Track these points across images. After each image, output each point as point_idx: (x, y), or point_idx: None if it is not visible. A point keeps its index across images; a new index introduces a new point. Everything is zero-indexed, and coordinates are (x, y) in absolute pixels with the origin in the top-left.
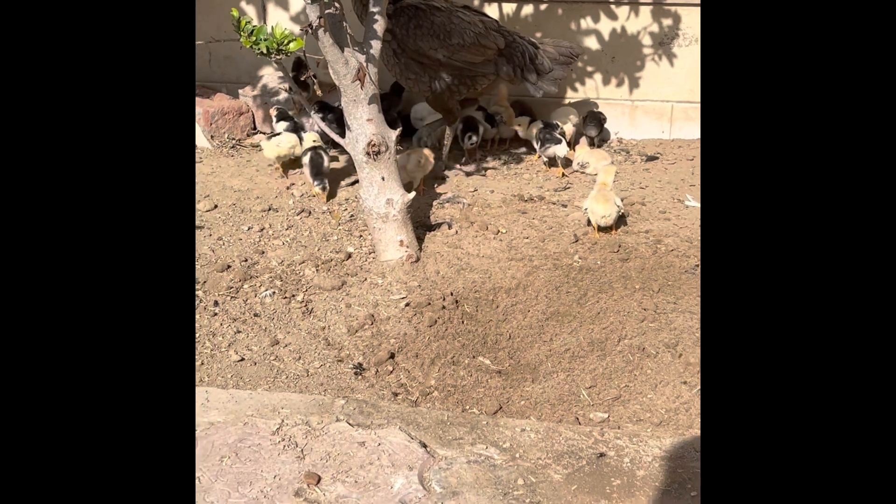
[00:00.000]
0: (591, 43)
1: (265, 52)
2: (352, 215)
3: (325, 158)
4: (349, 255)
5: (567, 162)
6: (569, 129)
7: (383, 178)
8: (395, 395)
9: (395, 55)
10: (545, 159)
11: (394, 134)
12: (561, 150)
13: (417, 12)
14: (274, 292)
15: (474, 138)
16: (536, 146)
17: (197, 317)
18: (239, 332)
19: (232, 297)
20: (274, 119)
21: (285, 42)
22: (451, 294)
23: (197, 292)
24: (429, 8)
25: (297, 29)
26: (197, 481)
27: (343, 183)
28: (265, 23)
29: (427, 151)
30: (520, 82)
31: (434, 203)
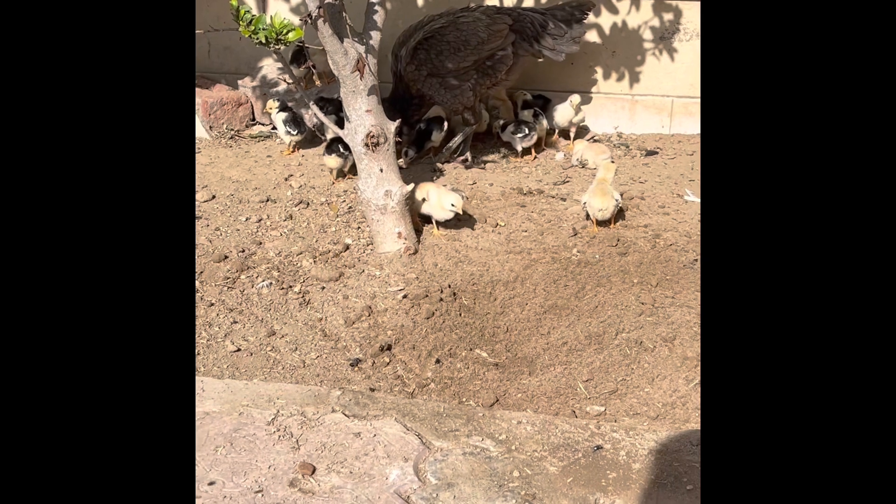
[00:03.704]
0: (592, 37)
1: (264, 41)
2: (350, 207)
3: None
4: (347, 247)
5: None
6: (567, 117)
7: (382, 170)
8: (392, 386)
9: (441, 86)
10: (519, 149)
11: (393, 125)
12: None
13: (430, 42)
14: (271, 283)
15: (410, 154)
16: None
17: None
18: (235, 322)
19: (229, 288)
20: (274, 111)
21: (284, 32)
22: (449, 286)
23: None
24: (435, 33)
25: (296, 19)
26: None
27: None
28: (265, 13)
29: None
30: (538, 53)
31: None
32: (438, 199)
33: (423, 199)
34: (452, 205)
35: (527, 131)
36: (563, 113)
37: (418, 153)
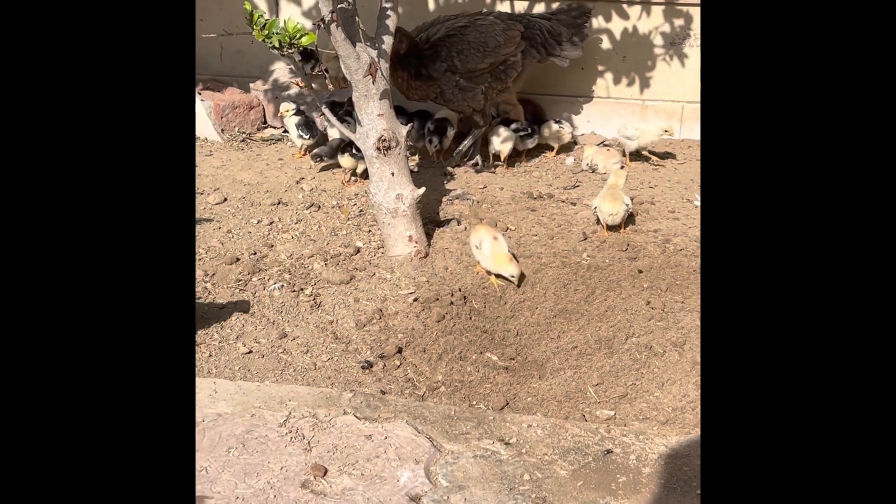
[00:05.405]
0: (603, 42)
1: (277, 45)
2: (361, 210)
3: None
4: (358, 250)
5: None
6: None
7: (393, 174)
8: (403, 389)
9: (455, 86)
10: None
11: (404, 129)
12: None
13: (451, 40)
14: (282, 286)
15: (434, 141)
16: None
17: (205, 308)
18: (247, 324)
19: (241, 290)
20: (289, 114)
21: (297, 36)
22: (460, 290)
23: (206, 284)
24: (457, 31)
25: (308, 23)
26: (204, 472)
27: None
28: (278, 17)
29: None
30: (546, 59)
31: (443, 199)
32: (492, 253)
33: (477, 247)
34: (512, 276)
35: (529, 132)
36: (648, 133)
37: (441, 143)
